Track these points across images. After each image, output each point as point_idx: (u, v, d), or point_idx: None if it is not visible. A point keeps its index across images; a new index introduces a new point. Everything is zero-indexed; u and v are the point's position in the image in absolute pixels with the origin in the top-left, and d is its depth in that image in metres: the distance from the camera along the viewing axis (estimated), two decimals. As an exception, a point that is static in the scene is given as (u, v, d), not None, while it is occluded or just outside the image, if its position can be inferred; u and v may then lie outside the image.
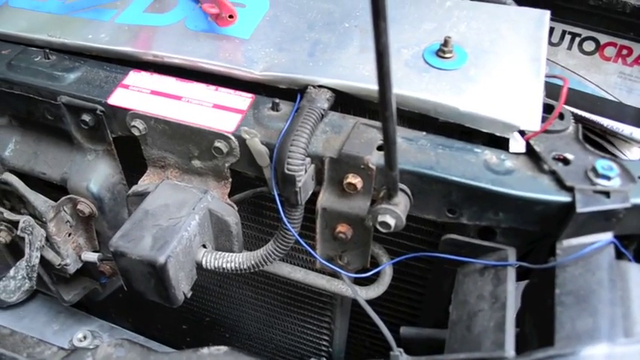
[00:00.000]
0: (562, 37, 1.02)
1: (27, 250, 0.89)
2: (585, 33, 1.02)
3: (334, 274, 0.90)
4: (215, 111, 0.85)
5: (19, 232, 0.91)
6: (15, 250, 1.03)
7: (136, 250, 0.78)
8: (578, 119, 0.84)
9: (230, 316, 1.23)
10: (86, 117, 0.91)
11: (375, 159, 0.74)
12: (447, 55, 0.82)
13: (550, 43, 1.08)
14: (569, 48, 1.01)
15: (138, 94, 0.89)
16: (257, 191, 0.87)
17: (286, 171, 0.74)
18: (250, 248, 0.99)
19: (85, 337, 1.15)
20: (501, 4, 0.94)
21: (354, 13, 0.94)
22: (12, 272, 0.90)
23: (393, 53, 0.84)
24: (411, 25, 0.90)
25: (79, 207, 0.96)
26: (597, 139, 0.96)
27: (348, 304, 1.04)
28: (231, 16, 0.91)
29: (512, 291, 0.67)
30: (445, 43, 0.82)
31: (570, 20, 1.04)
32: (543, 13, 0.89)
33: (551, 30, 1.07)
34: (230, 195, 0.88)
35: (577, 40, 1.03)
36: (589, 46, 1.04)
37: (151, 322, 1.35)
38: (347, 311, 1.06)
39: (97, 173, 0.97)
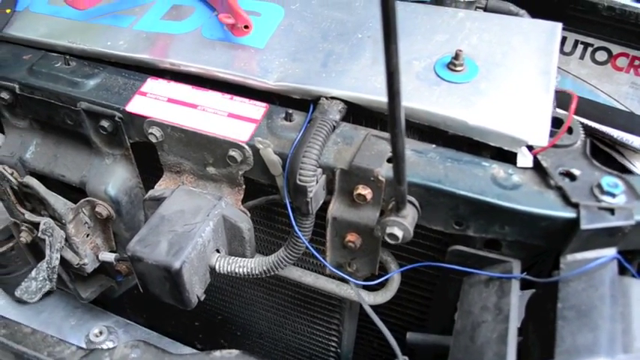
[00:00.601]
0: (574, 47, 1.03)
1: (47, 252, 0.93)
2: (598, 43, 1.03)
3: (344, 279, 0.92)
4: (230, 120, 0.87)
5: (39, 234, 0.94)
6: (35, 249, 1.06)
7: (153, 256, 0.81)
8: (587, 130, 0.85)
9: (241, 315, 1.26)
10: (105, 123, 0.94)
11: (385, 171, 0.75)
12: (458, 68, 0.83)
13: (562, 52, 1.09)
14: (582, 57, 1.02)
15: (155, 102, 0.92)
16: (270, 199, 0.89)
17: (298, 182, 0.76)
18: (262, 251, 1.02)
19: (101, 333, 1.19)
20: (514, 16, 0.95)
21: (367, 23, 0.96)
22: (33, 273, 0.94)
23: (405, 65, 0.86)
24: (424, 36, 0.91)
25: (97, 209, 0.99)
26: (607, 150, 0.96)
27: (357, 307, 1.06)
28: (246, 27, 0.93)
29: (516, 304, 0.69)
30: (456, 56, 0.83)
31: (583, 30, 1.04)
32: (555, 25, 0.90)
33: (564, 39, 1.07)
34: (243, 201, 0.91)
35: (589, 49, 1.04)
36: (601, 56, 1.04)
37: (164, 318, 1.38)
38: (355, 314, 1.08)
39: (114, 177, 1.00)
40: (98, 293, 1.14)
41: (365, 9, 0.99)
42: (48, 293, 1.30)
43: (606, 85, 1.05)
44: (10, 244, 1.17)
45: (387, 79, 0.58)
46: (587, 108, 0.97)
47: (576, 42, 1.03)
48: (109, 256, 1.03)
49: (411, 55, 0.88)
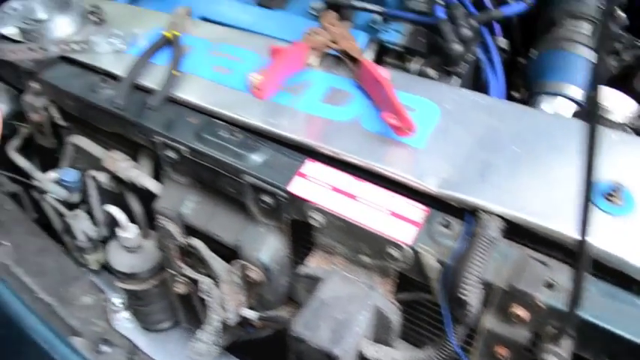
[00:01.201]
0: None
1: (209, 314, 1.03)
2: None
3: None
4: (392, 218, 0.94)
5: (200, 294, 1.05)
6: (186, 300, 1.18)
7: (315, 340, 0.89)
8: None
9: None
10: (267, 198, 1.03)
11: (544, 298, 0.81)
12: (616, 201, 0.88)
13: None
14: None
15: (316, 187, 1.00)
16: (423, 297, 0.96)
17: (459, 295, 0.83)
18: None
19: (220, 373, 1.30)
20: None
21: (522, 134, 1.00)
22: (199, 334, 1.04)
23: (565, 189, 0.91)
24: (576, 155, 0.95)
25: (248, 272, 1.09)
26: None
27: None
28: (409, 129, 1.00)
29: None
30: (616, 189, 0.88)
31: None
32: None
33: None
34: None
35: None
36: None
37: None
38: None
39: (267, 245, 1.09)
40: (231, 341, 1.24)
41: (517, 119, 1.03)
42: (173, 326, 1.43)
43: None
44: (155, 282, 1.29)
45: (581, 236, 0.64)
46: None
47: None
48: (251, 314, 1.13)
49: (569, 178, 0.93)
